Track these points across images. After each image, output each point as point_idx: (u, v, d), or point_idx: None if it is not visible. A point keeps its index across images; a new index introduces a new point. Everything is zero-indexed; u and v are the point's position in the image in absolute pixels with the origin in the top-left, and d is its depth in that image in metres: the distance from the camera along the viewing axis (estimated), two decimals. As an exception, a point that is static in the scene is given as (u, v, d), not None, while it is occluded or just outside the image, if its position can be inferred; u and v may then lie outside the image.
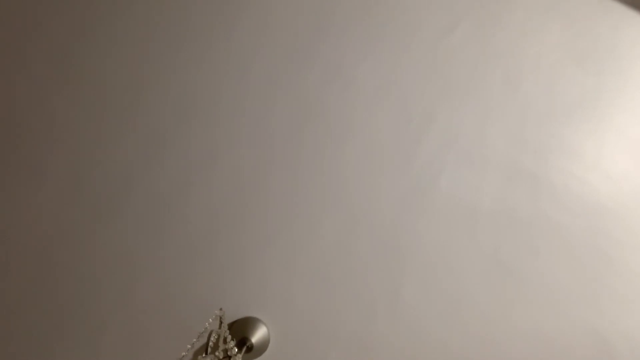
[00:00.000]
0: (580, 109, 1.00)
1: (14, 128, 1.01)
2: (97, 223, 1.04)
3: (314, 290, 1.07)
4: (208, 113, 1.02)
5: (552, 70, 0.99)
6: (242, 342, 1.03)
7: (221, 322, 0.99)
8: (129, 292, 1.07)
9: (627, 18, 0.96)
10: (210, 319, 0.98)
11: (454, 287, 1.07)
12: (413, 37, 1.00)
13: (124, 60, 1.00)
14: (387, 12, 0.99)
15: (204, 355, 0.96)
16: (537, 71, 0.99)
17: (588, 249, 1.04)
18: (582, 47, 0.98)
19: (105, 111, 1.02)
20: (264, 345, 1.07)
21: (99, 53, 1.00)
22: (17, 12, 0.97)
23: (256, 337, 1.05)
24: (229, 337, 0.97)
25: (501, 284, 1.06)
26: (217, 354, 0.94)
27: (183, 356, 0.92)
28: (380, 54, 1.01)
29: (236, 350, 0.96)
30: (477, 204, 1.04)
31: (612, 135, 1.02)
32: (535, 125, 1.01)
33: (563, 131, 1.01)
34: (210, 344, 1.01)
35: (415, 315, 1.08)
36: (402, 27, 1.00)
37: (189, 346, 0.95)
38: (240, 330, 1.05)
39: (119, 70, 1.01)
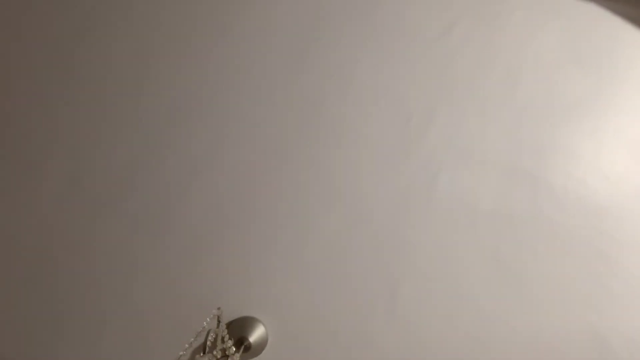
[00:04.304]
0: (578, 109, 1.01)
1: (14, 128, 1.01)
2: (96, 223, 1.04)
3: (312, 289, 1.07)
4: (207, 113, 1.03)
5: (551, 71, 0.99)
6: (240, 341, 1.03)
7: (219, 322, 0.99)
8: (127, 291, 1.06)
9: (625, 19, 0.97)
10: (208, 318, 0.98)
11: (452, 286, 1.07)
12: (411, 37, 1.00)
13: (123, 61, 1.00)
14: (385, 12, 1.00)
15: (201, 354, 0.96)
16: (535, 71, 1.00)
17: (587, 249, 1.04)
18: (581, 48, 0.98)
19: (105, 111, 1.02)
20: (261, 345, 1.07)
21: (98, 53, 1.00)
22: (16, 11, 0.97)
23: (254, 336, 1.05)
24: (227, 336, 0.97)
25: (500, 283, 1.06)
26: (214, 353, 0.94)
27: (181, 355, 0.92)
28: (378, 53, 1.01)
29: (234, 349, 0.96)
30: (476, 203, 1.04)
31: (610, 136, 1.02)
32: (534, 125, 1.01)
33: (561, 131, 1.01)
34: (208, 343, 1.00)
35: (414, 315, 1.08)
36: (401, 27, 1.00)
37: (186, 345, 0.95)
38: (238, 329, 1.05)
39: (119, 70, 1.01)
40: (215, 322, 0.99)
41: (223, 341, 0.96)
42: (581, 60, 0.99)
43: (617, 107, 1.00)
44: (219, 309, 1.00)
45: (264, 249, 1.06)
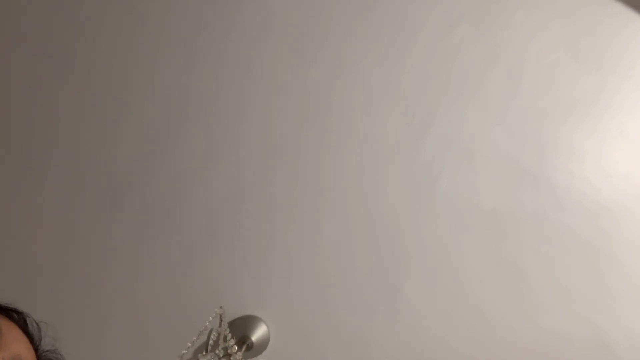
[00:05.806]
0: (581, 108, 1.00)
1: (15, 128, 1.02)
2: (97, 222, 1.05)
3: (314, 288, 1.07)
4: (209, 113, 1.03)
5: (553, 69, 0.99)
6: (242, 340, 1.03)
7: (221, 321, 0.99)
8: (129, 290, 1.07)
9: (628, 17, 0.96)
10: (210, 317, 0.98)
11: (455, 285, 1.07)
12: (414, 36, 1.00)
13: (124, 60, 1.00)
14: (388, 12, 0.99)
15: (204, 353, 0.97)
16: (537, 70, 0.99)
17: (589, 248, 1.04)
18: (583, 46, 0.98)
19: (105, 111, 1.02)
20: (264, 344, 1.08)
21: (99, 53, 1.00)
22: (17, 10, 0.97)
23: (256, 335, 1.05)
24: (229, 335, 0.97)
25: (502, 282, 1.06)
26: (217, 352, 0.95)
27: (183, 354, 0.92)
28: (381, 53, 1.01)
29: (236, 348, 0.96)
30: (479, 202, 1.04)
31: (613, 135, 1.01)
32: (536, 124, 1.01)
33: (564, 130, 1.01)
34: (211, 342, 1.01)
35: (417, 314, 1.08)
36: (403, 26, 1.00)
37: (189, 344, 0.96)
38: (241, 328, 1.06)
39: (120, 69, 1.01)
40: (218, 321, 1.00)
41: (225, 340, 0.97)
42: (584, 58, 0.98)
43: (621, 105, 1.00)
44: (221, 307, 1.00)
45: (266, 247, 1.07)
